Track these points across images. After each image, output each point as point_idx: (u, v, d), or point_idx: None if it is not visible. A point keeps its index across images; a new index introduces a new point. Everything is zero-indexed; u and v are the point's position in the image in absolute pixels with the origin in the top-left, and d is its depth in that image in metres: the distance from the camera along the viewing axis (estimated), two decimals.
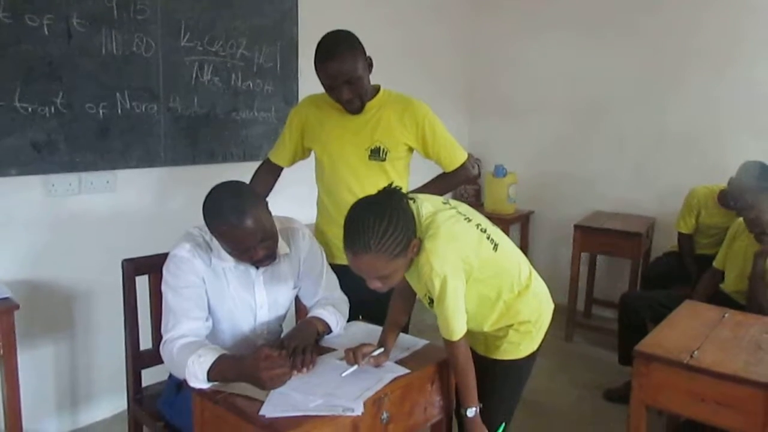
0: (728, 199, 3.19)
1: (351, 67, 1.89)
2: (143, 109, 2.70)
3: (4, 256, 2.36)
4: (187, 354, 1.50)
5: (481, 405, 1.65)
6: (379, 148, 2.03)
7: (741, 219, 2.85)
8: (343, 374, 1.54)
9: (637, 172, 4.02)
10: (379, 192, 1.54)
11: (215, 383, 1.48)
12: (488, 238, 1.61)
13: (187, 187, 2.91)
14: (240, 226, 1.55)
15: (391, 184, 1.56)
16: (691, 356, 1.76)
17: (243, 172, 3.03)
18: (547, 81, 4.32)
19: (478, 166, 4.35)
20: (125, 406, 2.73)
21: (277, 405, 1.38)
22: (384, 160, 2.04)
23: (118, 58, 2.59)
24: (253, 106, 3.16)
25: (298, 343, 1.61)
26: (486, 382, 1.67)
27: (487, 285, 1.63)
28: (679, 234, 3.44)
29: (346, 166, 2.06)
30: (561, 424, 2.83)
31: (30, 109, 2.36)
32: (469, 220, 1.61)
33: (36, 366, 2.48)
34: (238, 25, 3.01)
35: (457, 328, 1.54)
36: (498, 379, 1.72)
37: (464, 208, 1.66)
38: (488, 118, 4.64)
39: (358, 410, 1.39)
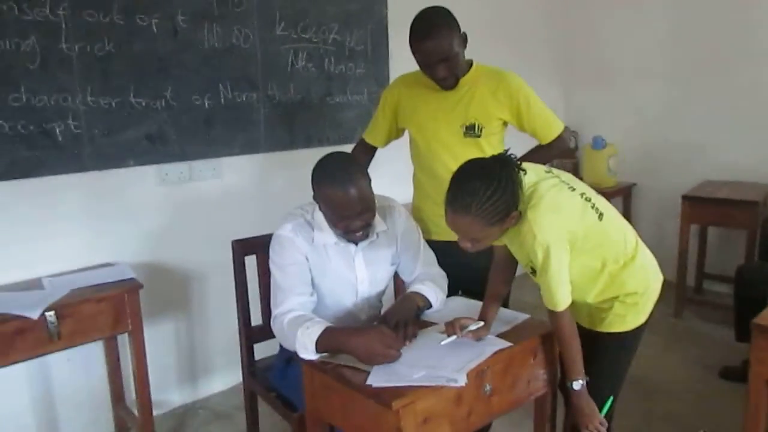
0: None
1: (447, 44, 1.88)
2: (244, 98, 2.83)
3: (126, 241, 2.57)
4: (296, 326, 1.58)
5: (588, 378, 1.63)
6: (474, 124, 2.02)
7: None
8: (442, 343, 1.57)
9: (750, 136, 3.73)
10: (493, 157, 1.54)
11: (323, 354, 1.55)
12: (593, 207, 1.58)
13: (286, 170, 3.03)
14: (347, 190, 1.62)
15: (506, 151, 1.56)
16: None
17: None
18: (646, 44, 4.10)
19: (575, 138, 4.22)
20: (239, 379, 2.93)
21: (382, 375, 1.43)
22: (479, 136, 2.03)
23: (219, 51, 2.72)
24: (346, 90, 3.22)
25: (399, 318, 1.65)
26: (591, 355, 1.65)
27: (591, 255, 1.59)
28: None
29: (442, 145, 2.06)
30: (675, 403, 2.72)
31: (144, 104, 2.53)
32: (573, 189, 1.58)
33: (157, 342, 2.67)
34: (329, 10, 3.08)
35: (561, 298, 1.53)
36: (605, 352, 1.69)
37: (567, 176, 1.63)
38: (584, 88, 4.47)
39: (461, 381, 1.41)
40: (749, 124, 3.74)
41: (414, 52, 1.95)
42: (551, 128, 2.09)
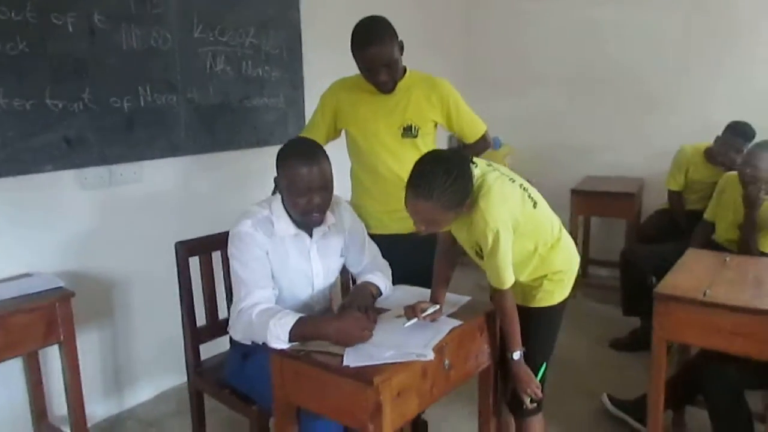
0: (715, 156, 3.41)
1: (389, 51, 2.04)
2: (164, 101, 2.80)
3: (45, 249, 2.45)
4: (267, 318, 1.64)
5: (524, 349, 1.83)
6: (411, 126, 2.19)
7: (728, 173, 3.08)
8: (406, 325, 1.70)
9: (625, 136, 4.27)
10: (452, 150, 1.70)
11: (294, 343, 1.63)
12: (529, 196, 1.79)
13: (208, 173, 3.04)
14: (311, 165, 1.74)
15: (460, 147, 1.72)
16: (704, 294, 1.96)
17: (257, 157, 3.18)
18: (538, 55, 4.54)
19: None
20: (169, 385, 2.91)
21: (357, 356, 1.53)
22: (416, 136, 2.20)
23: (138, 53, 2.67)
24: (263, 93, 3.27)
25: (359, 304, 1.76)
26: (526, 329, 1.84)
27: (527, 239, 1.80)
28: (670, 191, 3.66)
29: (382, 145, 2.21)
30: (579, 374, 3.05)
31: (60, 106, 2.43)
32: (513, 181, 1.78)
33: (82, 352, 2.57)
34: (245, 14, 3.11)
35: (507, 277, 1.72)
36: (538, 324, 1.90)
37: (505, 169, 1.83)
38: (482, 94, 4.77)
39: (430, 355, 1.56)
40: (625, 126, 4.27)
41: (357, 58, 2.08)
42: (476, 129, 2.31)
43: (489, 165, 1.80)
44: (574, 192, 3.91)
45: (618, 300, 3.51)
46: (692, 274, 2.20)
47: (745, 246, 2.81)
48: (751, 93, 3.81)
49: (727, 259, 2.35)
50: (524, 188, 1.80)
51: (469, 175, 1.65)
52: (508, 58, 4.70)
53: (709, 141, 3.49)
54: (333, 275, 2.01)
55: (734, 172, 2.98)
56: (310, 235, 1.90)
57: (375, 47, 2.01)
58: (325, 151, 1.83)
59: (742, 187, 2.83)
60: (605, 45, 4.25)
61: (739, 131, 3.26)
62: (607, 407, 2.67)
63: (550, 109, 4.54)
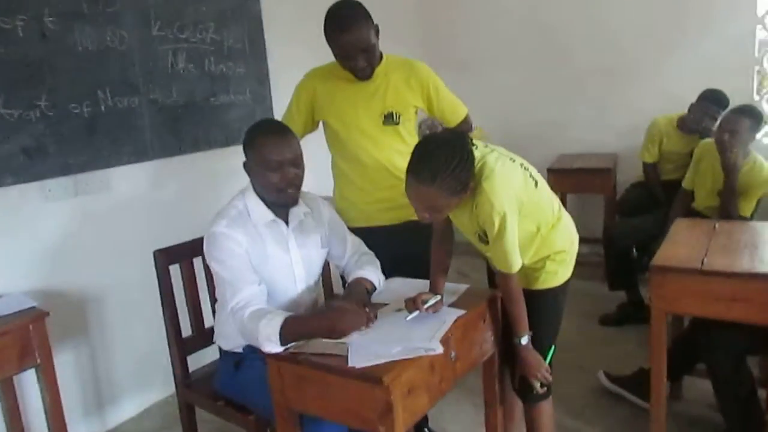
0: (689, 124, 3.42)
1: (366, 36, 1.94)
2: (126, 104, 2.66)
3: (14, 267, 2.31)
4: (257, 319, 1.57)
5: (531, 333, 1.78)
6: (392, 113, 2.10)
7: (705, 141, 3.09)
8: (408, 318, 1.64)
9: (595, 112, 4.25)
10: (452, 132, 1.62)
11: (288, 345, 1.55)
12: (530, 176, 1.73)
13: (178, 177, 2.91)
14: (280, 137, 1.73)
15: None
16: (702, 263, 1.95)
17: (227, 156, 3.06)
18: (503, 35, 4.49)
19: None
20: (151, 401, 2.80)
21: (362, 356, 1.46)
22: (398, 123, 2.11)
23: (95, 54, 2.54)
24: (229, 90, 3.14)
25: (356, 302, 1.68)
26: (531, 312, 1.78)
27: (530, 219, 1.74)
28: (644, 164, 3.65)
29: (362, 134, 2.11)
30: (567, 352, 2.99)
31: (16, 115, 2.30)
32: (513, 161, 1.72)
33: (59, 372, 2.43)
34: (204, 8, 2.98)
35: (514, 261, 1.66)
36: (543, 307, 1.85)
37: (503, 150, 1.76)
38: (450, 77, 4.73)
39: (439, 349, 1.49)
40: (593, 102, 4.25)
41: (332, 44, 1.98)
42: (457, 112, 2.24)
43: (486, 146, 1.74)
44: (551, 171, 3.88)
45: (601, 276, 3.51)
46: (685, 244, 2.18)
47: (726, 212, 2.82)
48: (708, 63, 3.80)
49: (716, 226, 2.35)
50: (525, 168, 1.74)
51: (472, 158, 1.58)
52: (471, 39, 4.63)
53: (672, 112, 3.50)
54: (315, 266, 1.92)
55: (711, 140, 3.00)
56: (286, 223, 1.83)
57: (351, 32, 1.91)
58: (291, 130, 1.80)
59: (719, 154, 2.84)
60: (572, 20, 4.22)
61: (713, 99, 3.27)
62: (604, 384, 2.65)
63: (518, 89, 4.50)
